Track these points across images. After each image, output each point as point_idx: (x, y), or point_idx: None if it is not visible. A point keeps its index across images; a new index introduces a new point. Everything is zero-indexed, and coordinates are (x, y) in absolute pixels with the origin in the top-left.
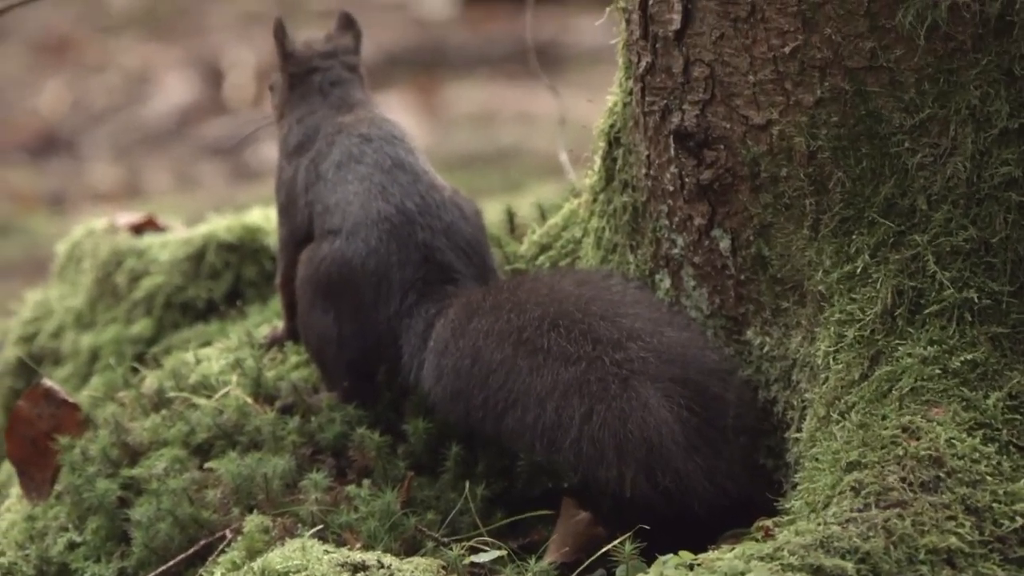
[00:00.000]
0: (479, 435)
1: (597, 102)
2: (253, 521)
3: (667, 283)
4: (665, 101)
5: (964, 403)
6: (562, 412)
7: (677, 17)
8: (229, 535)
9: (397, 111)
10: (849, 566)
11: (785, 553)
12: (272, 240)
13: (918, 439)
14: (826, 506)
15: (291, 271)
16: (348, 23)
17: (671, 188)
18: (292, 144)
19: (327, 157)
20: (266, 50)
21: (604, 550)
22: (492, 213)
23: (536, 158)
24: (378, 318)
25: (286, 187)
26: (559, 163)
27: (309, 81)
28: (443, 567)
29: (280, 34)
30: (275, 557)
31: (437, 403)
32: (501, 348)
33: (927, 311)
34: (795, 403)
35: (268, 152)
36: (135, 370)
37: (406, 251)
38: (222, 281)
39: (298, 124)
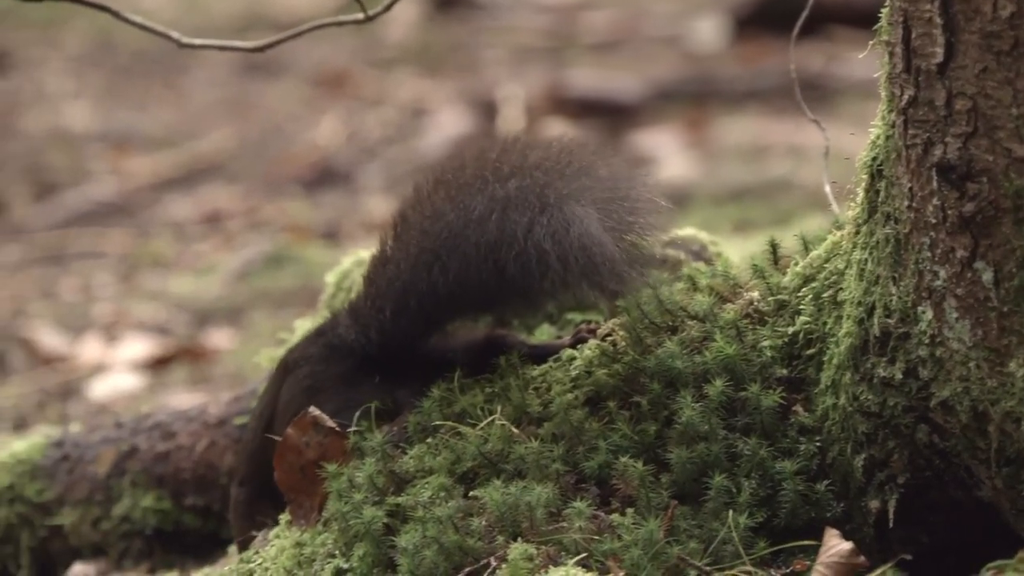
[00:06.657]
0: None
1: (860, 135)
2: (517, 549)
3: (929, 315)
4: (927, 134)
5: None
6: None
7: (940, 51)
8: (494, 563)
9: (668, 144)
10: None
11: None
12: None
13: None
14: None
15: None
16: None
17: (933, 220)
18: None
19: None
20: (536, 83)
21: None
22: (757, 245)
23: (804, 191)
24: None
25: None
26: (826, 196)
27: None
28: None
29: None
30: None
31: None
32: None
33: None
34: None
35: None
36: None
37: None
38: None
39: None
